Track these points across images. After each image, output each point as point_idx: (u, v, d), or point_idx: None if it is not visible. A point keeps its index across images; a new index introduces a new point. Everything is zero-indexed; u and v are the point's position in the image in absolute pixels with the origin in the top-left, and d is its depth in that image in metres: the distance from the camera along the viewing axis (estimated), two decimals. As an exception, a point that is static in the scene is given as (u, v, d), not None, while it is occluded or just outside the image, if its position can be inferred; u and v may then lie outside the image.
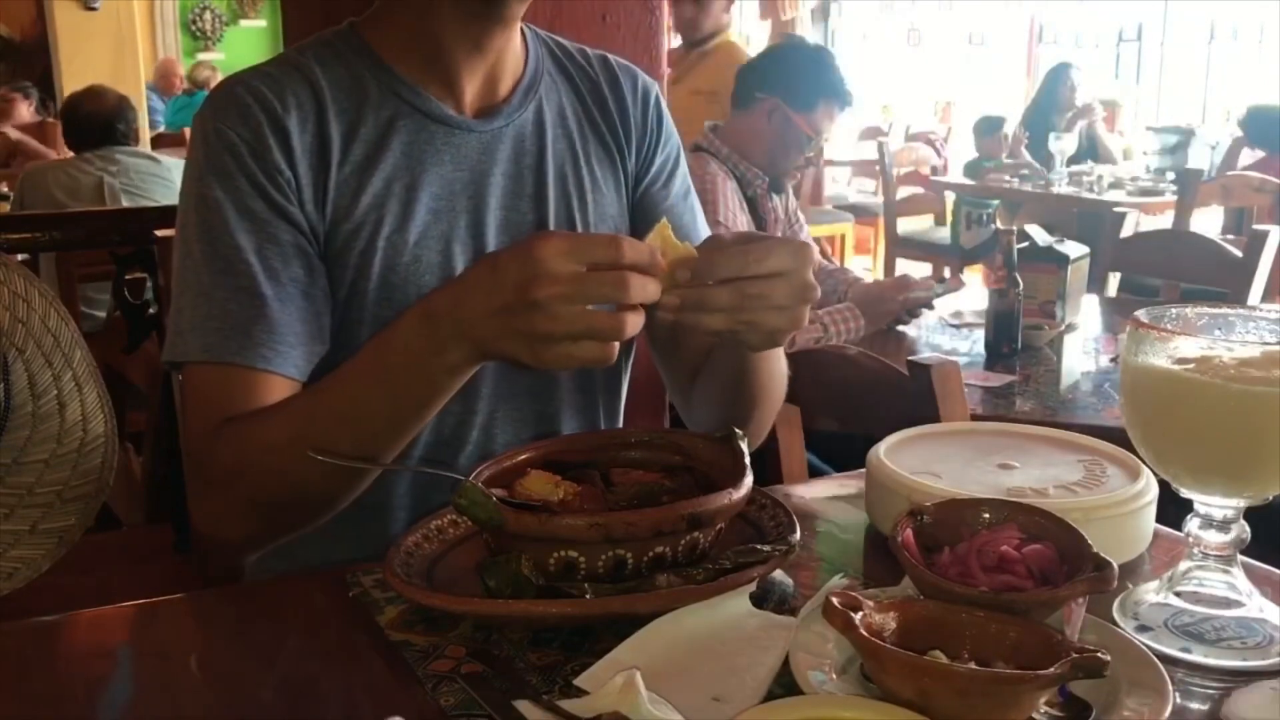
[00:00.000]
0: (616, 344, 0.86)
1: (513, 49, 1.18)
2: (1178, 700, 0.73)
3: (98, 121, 3.94)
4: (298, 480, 1.00)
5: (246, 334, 1.03)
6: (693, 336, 0.95)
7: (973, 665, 0.68)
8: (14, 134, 5.78)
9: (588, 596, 0.80)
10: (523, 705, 0.72)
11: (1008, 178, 5.47)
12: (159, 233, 1.94)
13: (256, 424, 1.01)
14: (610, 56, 1.28)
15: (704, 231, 1.30)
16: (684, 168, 1.31)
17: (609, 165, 1.24)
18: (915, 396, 1.52)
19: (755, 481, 0.91)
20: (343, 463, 0.94)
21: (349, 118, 1.11)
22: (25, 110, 6.26)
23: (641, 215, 1.25)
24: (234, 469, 1.02)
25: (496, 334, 0.88)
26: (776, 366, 1.20)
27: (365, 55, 1.13)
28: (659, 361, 1.29)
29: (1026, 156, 5.76)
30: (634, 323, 0.86)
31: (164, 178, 3.89)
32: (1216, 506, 0.84)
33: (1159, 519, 1.00)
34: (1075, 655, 0.66)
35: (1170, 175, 5.26)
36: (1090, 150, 5.99)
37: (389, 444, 0.98)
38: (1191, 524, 0.86)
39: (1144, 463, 0.94)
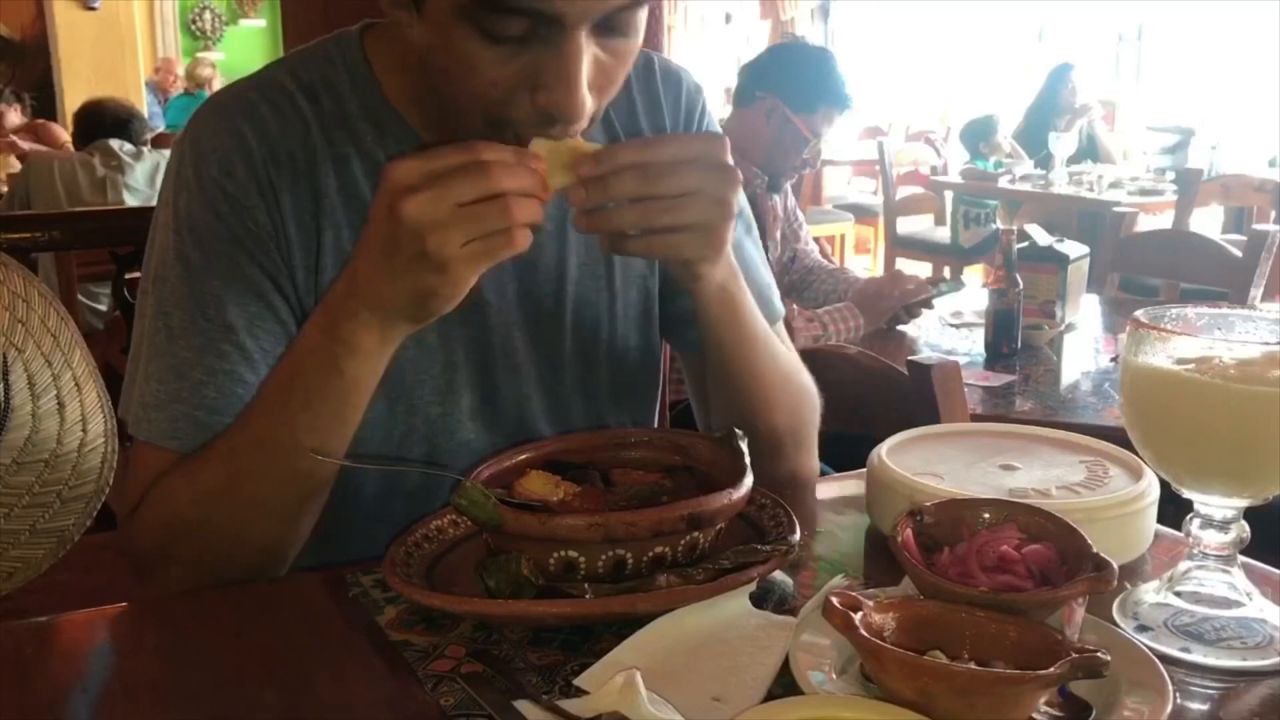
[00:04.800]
0: (515, 232, 0.81)
1: None
2: (1178, 700, 0.73)
3: (108, 123, 3.99)
4: (236, 525, 0.96)
5: (221, 425, 0.97)
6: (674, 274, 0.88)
7: (973, 665, 0.68)
8: (19, 146, 5.79)
9: (588, 596, 0.80)
10: (523, 705, 0.72)
11: (1005, 173, 5.47)
12: (159, 232, 1.93)
13: (180, 478, 0.96)
14: (656, 61, 1.15)
15: (755, 259, 1.19)
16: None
17: None
18: (915, 396, 1.52)
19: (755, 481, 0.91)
20: (342, 463, 0.94)
21: (342, 166, 1.01)
22: (15, 116, 6.26)
23: None
24: (167, 531, 0.97)
25: (379, 276, 0.84)
26: (766, 354, 1.09)
27: (369, 94, 1.02)
28: (697, 410, 1.23)
29: (1024, 159, 5.75)
30: (520, 207, 0.80)
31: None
32: (1216, 506, 0.84)
33: (1159, 519, 1.00)
34: (1075, 655, 0.66)
35: (1170, 175, 5.27)
36: (1090, 150, 6.00)
37: (317, 457, 0.91)
38: (1191, 524, 0.86)
39: (1144, 463, 0.94)
